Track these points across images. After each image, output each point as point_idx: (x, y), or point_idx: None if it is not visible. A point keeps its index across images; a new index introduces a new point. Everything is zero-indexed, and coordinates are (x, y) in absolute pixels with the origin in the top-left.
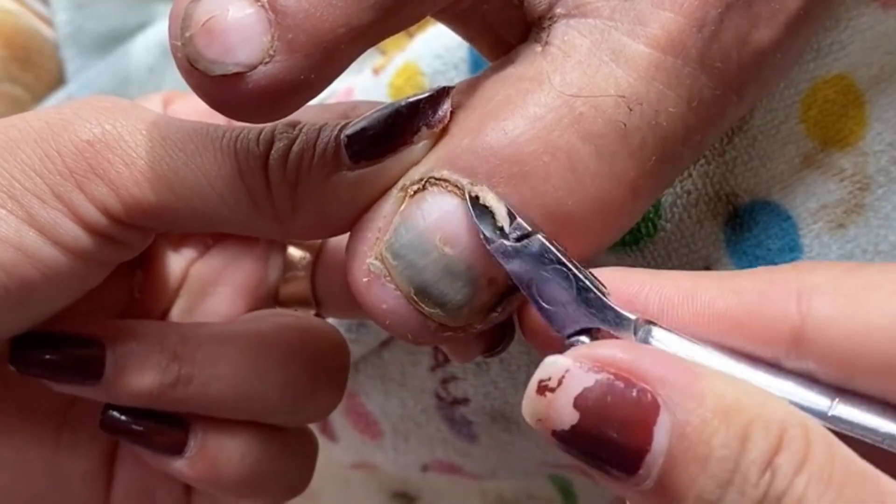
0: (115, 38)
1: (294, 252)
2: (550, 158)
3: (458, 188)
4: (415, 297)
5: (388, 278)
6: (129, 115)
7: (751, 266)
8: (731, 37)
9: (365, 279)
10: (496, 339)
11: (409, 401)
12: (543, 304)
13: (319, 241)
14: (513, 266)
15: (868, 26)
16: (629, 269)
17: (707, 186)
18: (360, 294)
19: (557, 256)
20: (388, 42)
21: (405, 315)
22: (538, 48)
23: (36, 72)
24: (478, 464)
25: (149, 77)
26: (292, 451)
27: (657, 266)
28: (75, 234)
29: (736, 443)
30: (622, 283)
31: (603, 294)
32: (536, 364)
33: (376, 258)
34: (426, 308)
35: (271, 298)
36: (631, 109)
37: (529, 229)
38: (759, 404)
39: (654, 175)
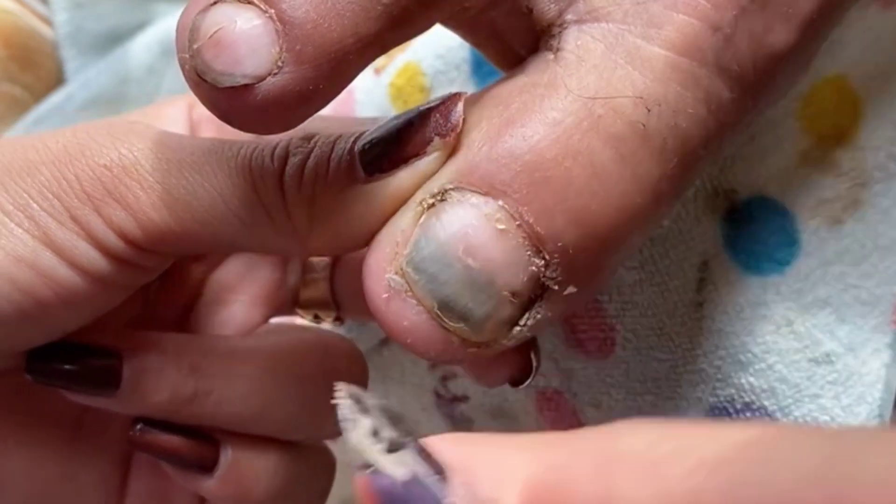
0: (114, 38)
1: None
2: (572, 163)
3: (480, 195)
4: (438, 312)
5: (410, 293)
6: (143, 138)
7: (749, 260)
8: (747, 40)
9: (385, 295)
10: (524, 368)
11: (409, 398)
12: None
13: None
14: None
15: (869, 26)
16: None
17: (705, 182)
18: (380, 311)
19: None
20: None
21: (428, 331)
22: (550, 56)
23: (35, 72)
24: None
25: (148, 77)
26: (315, 471)
27: (654, 262)
28: (91, 257)
29: None
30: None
31: None
32: None
33: (396, 273)
34: (450, 323)
35: (291, 303)
36: (649, 110)
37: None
38: None
39: (675, 179)
